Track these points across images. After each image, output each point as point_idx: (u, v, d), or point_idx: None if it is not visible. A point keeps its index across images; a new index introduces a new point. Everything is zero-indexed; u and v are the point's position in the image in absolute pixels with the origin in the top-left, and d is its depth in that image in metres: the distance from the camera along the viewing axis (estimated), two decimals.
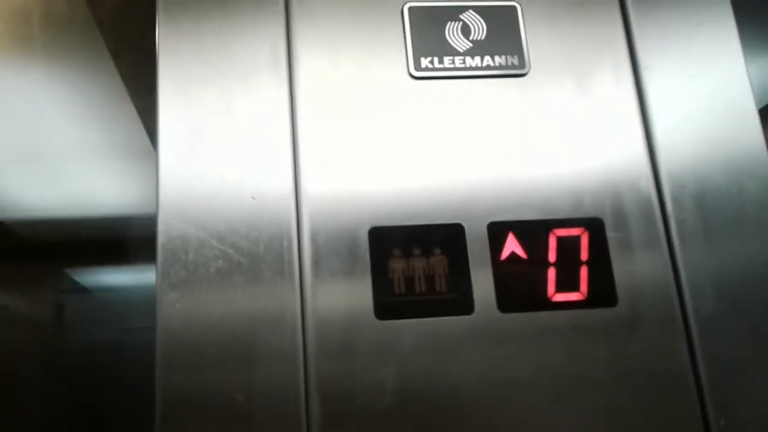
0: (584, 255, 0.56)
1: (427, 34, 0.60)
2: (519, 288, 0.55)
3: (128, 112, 1.05)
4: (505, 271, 0.55)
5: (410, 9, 0.61)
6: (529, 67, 0.61)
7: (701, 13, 0.64)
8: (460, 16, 0.61)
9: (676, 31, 0.63)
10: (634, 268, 0.56)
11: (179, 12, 0.60)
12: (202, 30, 0.59)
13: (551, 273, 0.56)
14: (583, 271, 0.56)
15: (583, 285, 0.56)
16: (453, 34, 0.60)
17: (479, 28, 0.61)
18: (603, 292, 0.56)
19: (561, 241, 0.56)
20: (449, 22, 0.61)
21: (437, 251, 0.55)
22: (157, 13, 0.60)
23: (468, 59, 0.60)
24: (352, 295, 0.54)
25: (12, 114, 1.07)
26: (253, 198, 0.56)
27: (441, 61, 0.60)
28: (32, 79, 0.99)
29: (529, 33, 0.62)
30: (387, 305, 0.54)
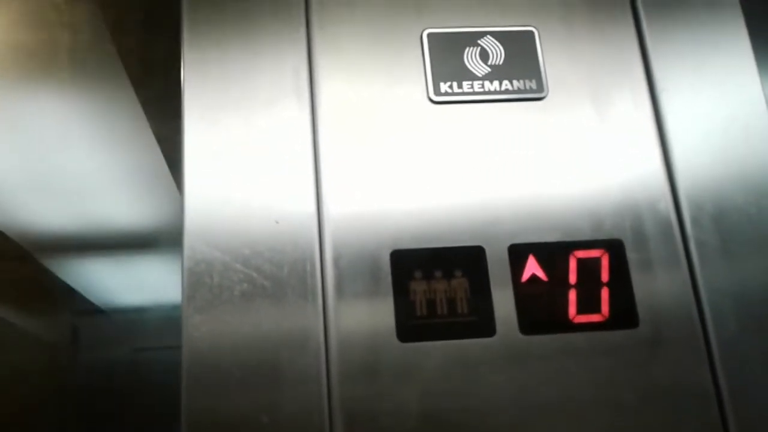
0: (605, 276, 0.56)
1: (446, 59, 0.61)
2: (540, 310, 0.55)
3: (147, 138, 1.06)
4: (526, 293, 0.56)
5: (429, 35, 0.62)
6: (547, 91, 0.61)
7: (716, 35, 0.65)
8: (479, 42, 0.62)
9: (691, 53, 0.64)
10: (655, 289, 0.57)
11: (204, 41, 0.61)
12: (226, 58, 0.61)
13: (572, 295, 0.56)
14: (604, 293, 0.56)
15: (605, 306, 0.56)
16: (471, 59, 0.61)
17: (497, 53, 0.62)
18: (624, 314, 0.56)
19: (581, 262, 0.57)
20: (468, 48, 0.62)
21: (458, 273, 0.56)
22: (181, 43, 0.61)
23: (486, 84, 0.61)
24: (374, 318, 0.55)
25: (32, 139, 1.09)
26: (277, 222, 0.56)
27: (460, 86, 0.61)
28: (53, 105, 1.01)
29: (546, 57, 0.62)
30: (409, 327, 0.54)
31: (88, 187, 1.26)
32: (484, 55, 0.62)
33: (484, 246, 0.57)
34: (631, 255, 0.57)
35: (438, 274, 0.56)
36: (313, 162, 0.58)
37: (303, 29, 0.62)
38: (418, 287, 0.55)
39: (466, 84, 0.61)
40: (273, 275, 0.55)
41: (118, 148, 1.13)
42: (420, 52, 0.62)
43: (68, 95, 0.98)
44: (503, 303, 0.55)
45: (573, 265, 0.57)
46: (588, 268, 0.57)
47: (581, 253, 0.57)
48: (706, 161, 0.61)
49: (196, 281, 0.55)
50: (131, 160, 1.16)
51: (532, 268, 0.56)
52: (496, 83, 0.61)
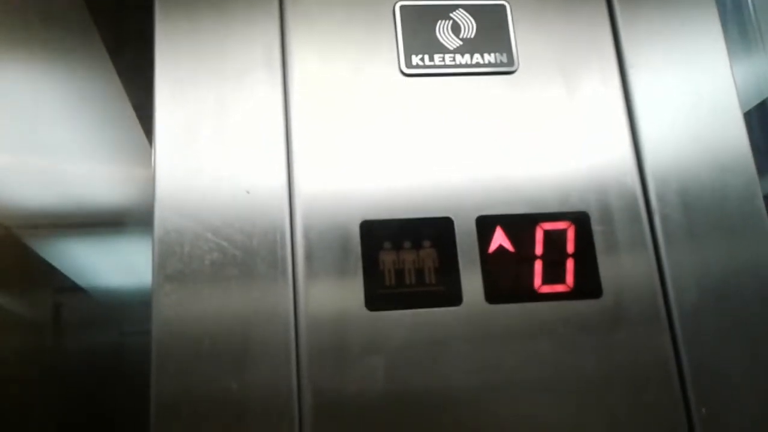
0: (570, 248, 0.58)
1: (418, 32, 0.62)
2: (506, 280, 0.56)
3: (124, 108, 1.06)
4: (492, 264, 0.56)
5: (401, 8, 0.62)
6: (518, 65, 0.62)
7: (686, 13, 0.66)
8: (451, 15, 0.62)
9: (661, 30, 0.65)
10: (619, 261, 0.58)
11: (176, 12, 0.61)
12: (198, 29, 0.61)
13: (538, 265, 0.57)
14: (569, 264, 0.57)
15: (569, 277, 0.57)
16: (443, 32, 0.62)
17: (469, 27, 0.62)
18: (588, 284, 0.57)
19: (548, 234, 0.58)
20: (440, 21, 0.62)
21: (427, 244, 0.57)
22: (153, 13, 0.61)
23: (458, 57, 0.61)
24: (343, 287, 0.56)
25: (7, 110, 1.08)
26: (248, 192, 0.57)
27: (431, 59, 0.61)
28: (28, 74, 1.00)
29: (517, 31, 0.63)
30: (378, 297, 0.55)
31: (70, 162, 1.25)
32: (455, 28, 0.62)
33: (453, 217, 0.58)
34: (597, 227, 0.58)
35: (407, 244, 0.56)
36: (285, 134, 0.59)
37: (276, 2, 0.62)
38: (387, 257, 0.56)
39: (437, 57, 0.61)
40: (243, 245, 0.56)
41: (97, 120, 1.13)
42: (392, 24, 0.62)
43: (40, 61, 0.97)
44: (470, 273, 0.56)
45: (539, 236, 0.57)
46: (554, 239, 0.58)
47: (548, 225, 0.58)
48: (673, 137, 0.62)
49: (166, 250, 0.55)
50: (113, 134, 1.15)
51: (500, 239, 0.57)
52: (467, 56, 0.61)
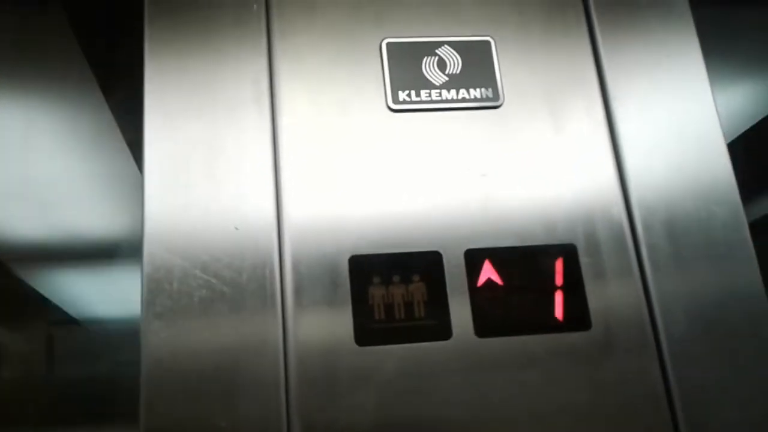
0: (559, 280, 0.58)
1: (405, 68, 0.63)
2: (495, 313, 0.57)
3: (119, 144, 1.07)
4: (481, 297, 0.57)
5: (388, 45, 0.63)
6: (503, 99, 0.63)
7: (668, 44, 0.67)
8: (437, 51, 0.63)
9: (644, 62, 0.66)
10: (607, 292, 0.58)
11: (165, 50, 0.62)
12: (187, 67, 0.61)
13: (527, 298, 0.57)
14: (558, 296, 0.57)
15: (558, 309, 0.57)
16: (429, 69, 0.63)
17: (455, 63, 0.63)
18: (577, 317, 0.57)
19: (536, 267, 0.58)
20: (426, 57, 0.63)
21: (416, 278, 0.57)
22: (144, 51, 0.62)
23: (444, 92, 0.62)
24: (333, 322, 0.56)
25: (2, 148, 1.08)
26: (237, 228, 0.57)
27: (418, 95, 0.62)
28: (23, 112, 1.01)
29: (502, 66, 0.64)
30: (367, 331, 0.55)
31: (65, 196, 1.25)
32: (441, 65, 0.63)
33: (441, 251, 0.58)
34: (584, 259, 0.59)
35: (396, 279, 0.57)
36: (273, 169, 0.59)
37: (264, 38, 0.63)
38: (377, 292, 0.56)
39: (424, 92, 0.62)
40: (232, 281, 0.56)
41: (93, 156, 1.13)
42: (379, 61, 0.63)
43: (34, 99, 0.98)
44: (459, 307, 0.56)
45: (527, 269, 0.58)
46: (542, 272, 0.58)
47: (536, 258, 0.58)
48: (659, 167, 0.63)
49: (155, 287, 0.55)
50: (108, 168, 1.16)
51: (488, 272, 0.57)
52: (453, 92, 0.62)
